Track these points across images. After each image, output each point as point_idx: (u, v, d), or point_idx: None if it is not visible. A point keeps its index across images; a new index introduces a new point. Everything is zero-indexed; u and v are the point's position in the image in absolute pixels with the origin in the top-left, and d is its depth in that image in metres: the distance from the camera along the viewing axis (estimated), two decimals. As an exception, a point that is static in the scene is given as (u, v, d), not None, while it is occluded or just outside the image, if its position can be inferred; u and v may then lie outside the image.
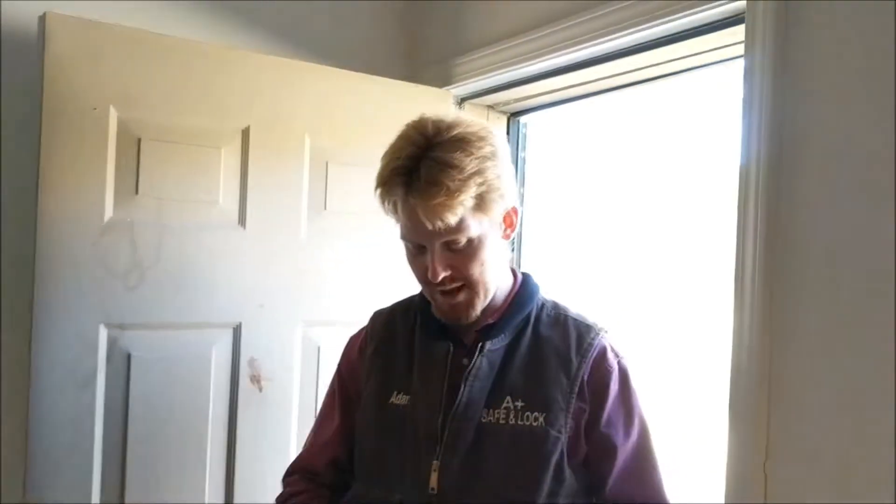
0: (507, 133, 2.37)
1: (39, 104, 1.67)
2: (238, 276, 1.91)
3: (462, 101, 2.31)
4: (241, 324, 1.92)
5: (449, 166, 1.22)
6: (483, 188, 1.25)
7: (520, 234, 2.36)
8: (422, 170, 1.22)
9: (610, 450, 1.32)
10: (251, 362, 1.94)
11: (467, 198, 1.23)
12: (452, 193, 1.21)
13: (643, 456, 1.35)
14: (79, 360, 1.73)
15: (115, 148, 1.76)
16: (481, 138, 1.27)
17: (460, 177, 1.22)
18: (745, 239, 1.44)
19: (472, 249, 1.29)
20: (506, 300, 1.39)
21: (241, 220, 1.92)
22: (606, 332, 1.39)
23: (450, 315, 1.34)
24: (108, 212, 1.76)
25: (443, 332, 1.38)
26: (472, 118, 1.32)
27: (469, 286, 1.31)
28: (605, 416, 1.32)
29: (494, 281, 1.35)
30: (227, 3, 2.11)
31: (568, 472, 1.29)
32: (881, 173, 1.25)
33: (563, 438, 1.29)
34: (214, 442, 1.90)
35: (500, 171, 1.28)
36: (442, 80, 2.26)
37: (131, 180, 1.78)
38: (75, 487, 1.72)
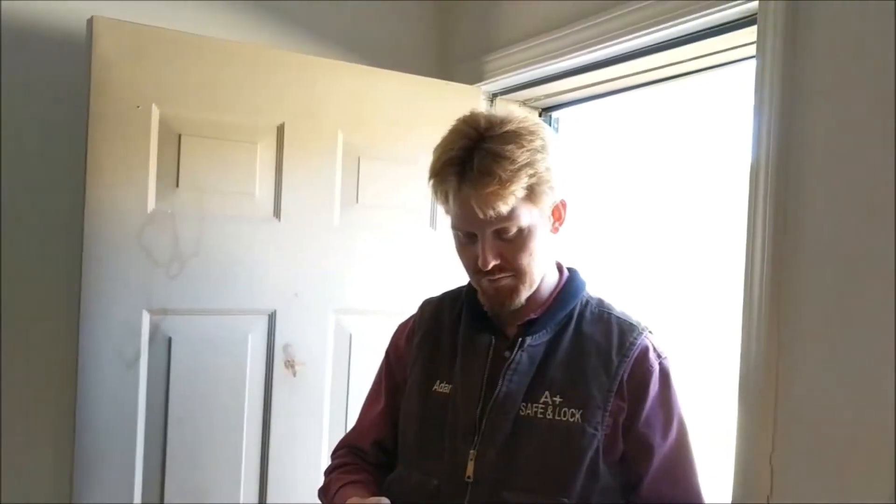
0: (539, 128, 2.42)
1: (87, 102, 1.76)
2: (273, 266, 2.00)
3: (493, 97, 2.36)
4: (275, 311, 2.01)
5: (501, 157, 1.25)
6: (533, 179, 1.28)
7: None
8: (475, 160, 1.26)
9: (647, 449, 1.32)
10: (285, 348, 2.02)
11: (518, 188, 1.26)
12: (504, 183, 1.24)
13: (680, 457, 1.35)
14: (123, 343, 1.82)
15: (157, 143, 1.85)
16: (532, 132, 1.30)
17: (512, 167, 1.25)
18: (755, 236, 1.46)
19: (521, 239, 1.31)
20: (551, 295, 1.41)
21: (276, 213, 2.00)
22: (650, 332, 1.39)
23: (494, 301, 1.36)
24: (151, 204, 1.85)
25: (486, 324, 1.41)
26: (523, 114, 1.35)
27: (516, 275, 1.33)
28: (643, 415, 1.32)
29: (540, 272, 1.37)
30: (263, 3, 2.19)
31: (604, 469, 1.30)
32: (888, 173, 1.26)
33: (599, 435, 1.30)
34: (251, 422, 1.99)
35: (550, 163, 1.31)
36: (473, 77, 2.31)
37: (172, 174, 1.87)
38: (120, 460, 1.82)
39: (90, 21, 1.76)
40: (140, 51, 1.81)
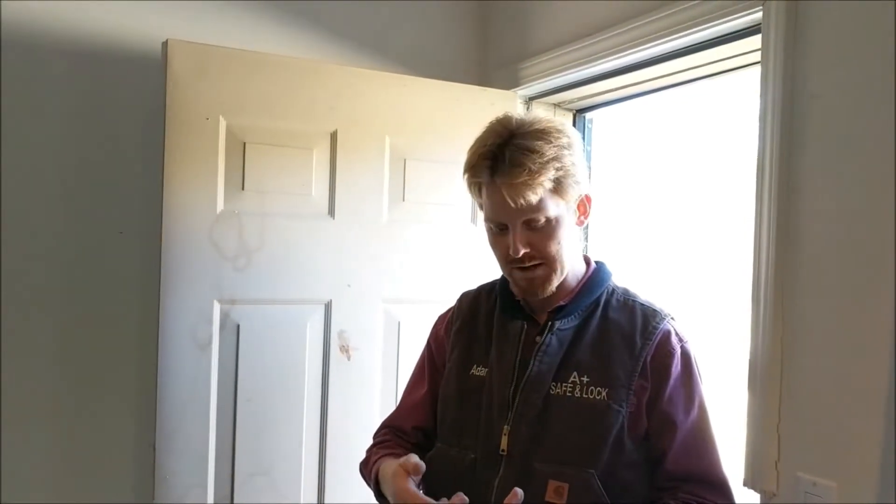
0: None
1: (163, 115, 1.95)
2: (328, 260, 2.16)
3: (530, 100, 2.48)
4: (331, 301, 2.17)
5: (530, 151, 1.34)
6: (560, 173, 1.37)
7: (587, 223, 2.54)
8: (506, 154, 1.35)
9: (669, 426, 1.38)
10: (340, 334, 2.19)
11: (546, 179, 1.35)
12: (534, 174, 1.33)
13: (701, 434, 1.40)
14: (197, 330, 2.00)
15: (225, 150, 2.02)
16: (559, 131, 1.40)
17: (540, 160, 1.34)
18: (761, 229, 1.58)
19: (549, 229, 1.39)
20: (578, 284, 1.48)
21: (331, 211, 2.17)
22: (673, 318, 1.46)
23: (527, 290, 1.44)
24: (220, 204, 2.03)
25: (519, 312, 1.50)
26: (550, 116, 1.46)
27: (546, 263, 1.41)
28: (665, 394, 1.38)
29: (568, 262, 1.44)
30: (314, 20, 2.36)
31: (629, 444, 1.37)
32: (887, 171, 1.36)
33: (624, 412, 1.36)
34: (310, 401, 2.15)
35: (575, 159, 1.40)
36: (510, 82, 2.45)
37: (238, 177, 2.05)
38: (195, 433, 2.00)
39: (165, 44, 1.95)
40: (208, 68, 1.99)
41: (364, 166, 2.20)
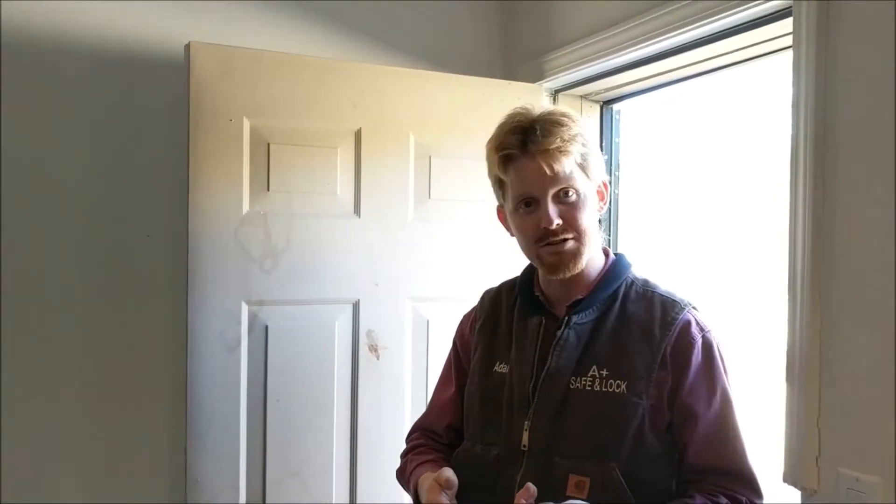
0: (601, 120, 2.51)
1: (187, 117, 1.95)
2: (355, 259, 2.15)
3: (555, 93, 2.46)
4: (359, 300, 2.16)
5: (560, 125, 1.38)
6: (585, 149, 1.41)
7: (616, 216, 2.51)
8: (537, 127, 1.38)
9: (691, 417, 1.37)
10: (369, 334, 2.18)
11: (576, 150, 1.39)
12: (566, 141, 1.37)
13: (724, 425, 1.38)
14: (225, 331, 2.00)
15: (249, 151, 2.02)
16: (575, 119, 1.43)
17: (569, 133, 1.38)
18: (797, 218, 1.54)
19: (580, 202, 1.40)
20: (597, 277, 1.48)
21: (356, 210, 2.16)
22: (694, 307, 1.44)
23: (557, 266, 1.41)
24: (246, 205, 2.03)
25: (537, 308, 1.50)
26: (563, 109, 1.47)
27: (577, 237, 1.41)
28: (686, 385, 1.37)
29: (595, 243, 1.45)
30: (335, 18, 2.35)
31: (651, 436, 1.36)
32: None
33: (645, 404, 1.35)
34: (340, 400, 2.14)
35: (592, 145, 1.44)
36: (535, 75, 2.42)
37: (263, 178, 2.05)
38: (225, 435, 2.00)
39: (187, 46, 1.95)
40: (230, 70, 1.99)
41: (389, 164, 2.20)
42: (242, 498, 2.03)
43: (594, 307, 1.45)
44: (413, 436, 1.67)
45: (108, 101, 2.12)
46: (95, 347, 2.13)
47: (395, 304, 2.22)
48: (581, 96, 2.47)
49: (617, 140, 2.52)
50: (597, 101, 2.50)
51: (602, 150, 2.49)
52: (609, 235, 2.49)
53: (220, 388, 2.01)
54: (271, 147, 2.06)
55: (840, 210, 1.48)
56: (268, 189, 2.06)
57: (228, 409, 2.02)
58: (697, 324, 1.42)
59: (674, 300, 1.44)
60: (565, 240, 1.40)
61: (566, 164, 1.37)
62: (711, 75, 2.11)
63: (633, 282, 1.49)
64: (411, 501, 1.52)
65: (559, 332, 1.43)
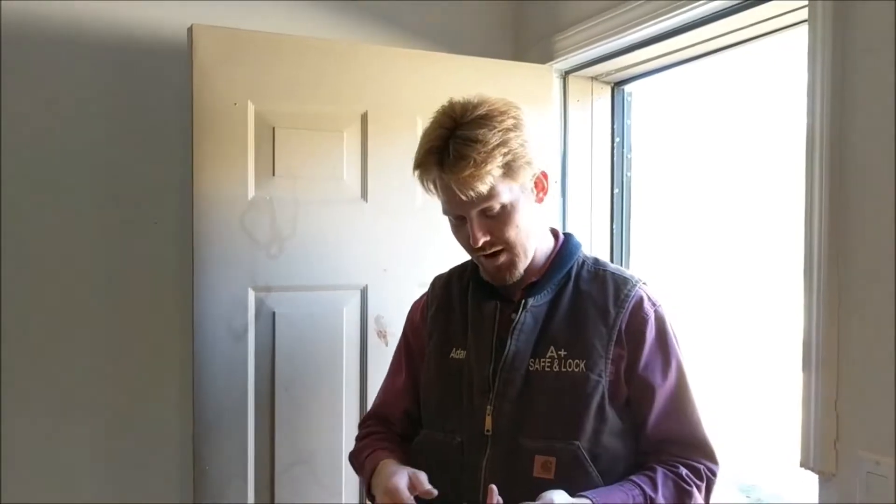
0: (612, 102, 2.48)
1: (190, 101, 1.92)
2: (363, 244, 2.13)
3: (566, 74, 2.42)
4: (367, 286, 2.14)
5: (474, 141, 1.34)
6: (509, 157, 1.36)
7: (628, 199, 2.47)
8: (450, 148, 1.35)
9: (648, 391, 1.42)
10: (377, 319, 2.16)
11: (494, 167, 1.35)
12: (479, 165, 1.33)
13: (680, 396, 1.44)
14: (232, 319, 1.98)
15: (254, 136, 1.99)
16: (502, 112, 1.39)
17: (485, 150, 1.34)
18: (813, 201, 1.51)
19: (505, 215, 1.40)
20: (547, 259, 1.51)
21: (364, 195, 2.13)
22: (644, 283, 1.49)
23: (496, 276, 1.46)
24: (251, 191, 2.00)
25: (492, 292, 1.51)
26: (496, 97, 1.43)
27: (508, 249, 1.43)
28: (642, 360, 1.42)
29: (532, 242, 1.46)
30: (343, 1, 2.32)
31: (611, 412, 1.40)
32: None
33: (604, 382, 1.40)
34: (349, 387, 2.12)
35: (524, 139, 1.39)
36: (545, 56, 2.38)
37: (269, 163, 2.02)
38: (233, 423, 1.99)
39: (190, 29, 1.92)
40: (234, 53, 1.96)
41: (396, 148, 2.15)
42: (251, 487, 2.02)
43: (549, 289, 1.48)
44: (368, 423, 1.68)
45: (111, 86, 2.10)
46: (102, 336, 2.11)
47: (403, 290, 2.17)
48: (592, 77, 2.43)
49: (629, 122, 2.48)
50: (608, 83, 2.46)
51: (614, 133, 2.47)
52: (622, 218, 2.46)
53: (228, 377, 1.99)
54: (276, 131, 2.03)
55: (858, 190, 1.44)
56: (273, 174, 2.04)
57: (236, 396, 2.00)
58: (649, 299, 1.46)
59: (625, 277, 1.48)
60: (497, 252, 1.43)
61: (482, 187, 1.35)
62: (725, 53, 2.06)
63: (584, 261, 1.52)
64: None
65: (516, 316, 1.45)
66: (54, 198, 2.05)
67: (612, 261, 2.44)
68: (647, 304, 1.45)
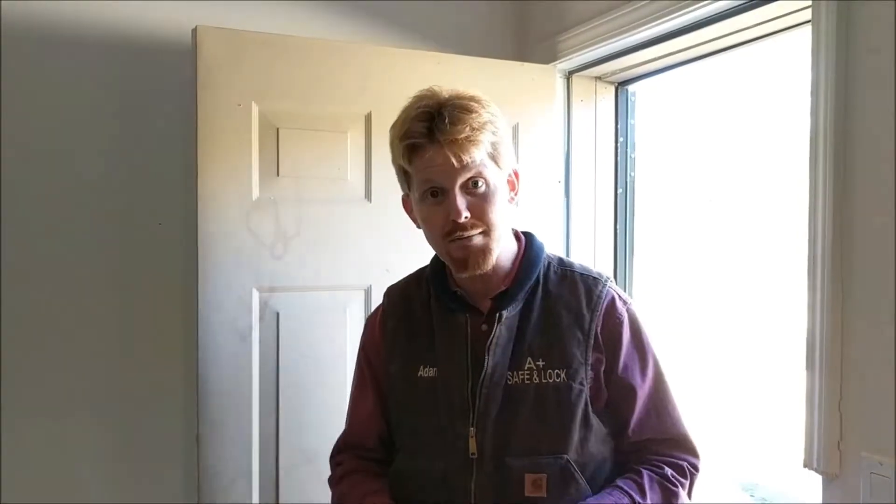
0: (616, 102, 2.47)
1: (194, 102, 1.93)
2: (366, 245, 2.12)
3: (570, 74, 2.41)
4: (370, 286, 2.13)
5: (468, 111, 1.32)
6: (495, 138, 1.34)
7: (632, 200, 2.47)
8: (444, 114, 1.31)
9: (629, 392, 1.40)
10: (381, 320, 2.17)
11: (486, 139, 1.32)
12: (475, 130, 1.30)
13: (660, 394, 1.43)
14: (237, 318, 1.99)
15: (258, 137, 2.00)
16: (487, 102, 1.37)
17: (479, 120, 1.32)
18: (816, 202, 1.50)
19: (489, 193, 1.34)
20: (514, 264, 1.44)
21: (367, 195, 2.13)
22: (609, 279, 1.46)
23: (466, 263, 1.35)
24: (255, 191, 2.00)
25: (459, 303, 1.43)
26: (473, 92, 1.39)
27: (486, 231, 1.34)
28: (620, 362, 1.39)
29: (505, 237, 1.40)
30: (347, 2, 2.32)
31: (594, 418, 1.37)
32: None
33: (585, 389, 1.36)
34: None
35: (504, 132, 1.38)
36: (549, 56, 2.37)
37: (273, 163, 2.02)
38: (238, 423, 1.99)
39: (194, 30, 1.93)
40: (238, 54, 1.97)
41: (400, 148, 2.15)
42: (256, 487, 2.02)
43: (519, 297, 1.41)
44: (341, 458, 1.57)
45: (115, 87, 2.10)
46: (107, 336, 2.12)
47: (407, 290, 2.19)
48: (596, 77, 2.43)
49: (632, 122, 2.48)
50: (612, 83, 2.46)
51: (617, 133, 2.47)
52: (626, 218, 2.46)
53: (233, 377, 1.99)
54: (280, 132, 2.04)
55: (862, 190, 1.44)
56: (277, 174, 2.04)
57: (241, 396, 2.00)
58: (620, 298, 1.44)
59: (594, 277, 1.45)
60: (472, 236, 1.35)
61: (476, 154, 1.31)
62: (729, 53, 2.05)
63: (549, 263, 1.47)
64: None
65: (490, 328, 1.38)
66: (57, 199, 2.06)
67: (615, 262, 2.45)
68: (619, 304, 1.43)
